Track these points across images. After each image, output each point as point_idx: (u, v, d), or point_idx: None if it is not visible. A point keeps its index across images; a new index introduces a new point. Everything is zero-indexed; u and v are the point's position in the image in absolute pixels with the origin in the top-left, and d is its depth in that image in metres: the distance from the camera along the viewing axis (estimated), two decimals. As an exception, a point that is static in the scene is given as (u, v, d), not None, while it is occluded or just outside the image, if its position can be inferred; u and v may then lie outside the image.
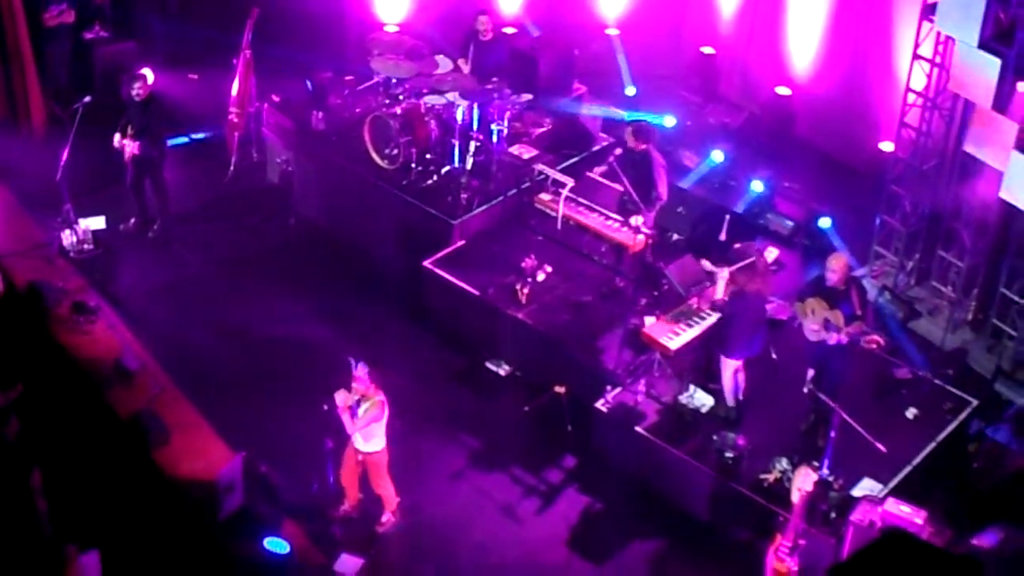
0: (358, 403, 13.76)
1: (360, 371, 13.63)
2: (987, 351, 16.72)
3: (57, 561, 11.85)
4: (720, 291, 15.01)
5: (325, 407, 13.65)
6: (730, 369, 15.00)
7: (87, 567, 12.31)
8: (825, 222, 18.50)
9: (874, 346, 14.51)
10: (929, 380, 15.71)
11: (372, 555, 14.26)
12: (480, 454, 15.81)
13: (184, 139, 20.58)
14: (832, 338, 14.21)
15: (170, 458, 14.39)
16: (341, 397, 13.68)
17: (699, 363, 15.74)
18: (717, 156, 19.34)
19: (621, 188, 16.72)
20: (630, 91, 21.52)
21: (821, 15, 20.16)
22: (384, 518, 14.61)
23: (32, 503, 12.36)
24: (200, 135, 20.72)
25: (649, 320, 15.68)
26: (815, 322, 14.32)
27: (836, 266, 14.23)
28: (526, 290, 16.76)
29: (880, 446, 13.79)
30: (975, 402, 15.60)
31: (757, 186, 18.88)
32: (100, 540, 12.72)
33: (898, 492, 14.23)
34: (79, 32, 21.24)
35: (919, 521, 13.23)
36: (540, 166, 17.95)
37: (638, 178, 16.46)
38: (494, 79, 19.00)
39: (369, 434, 13.91)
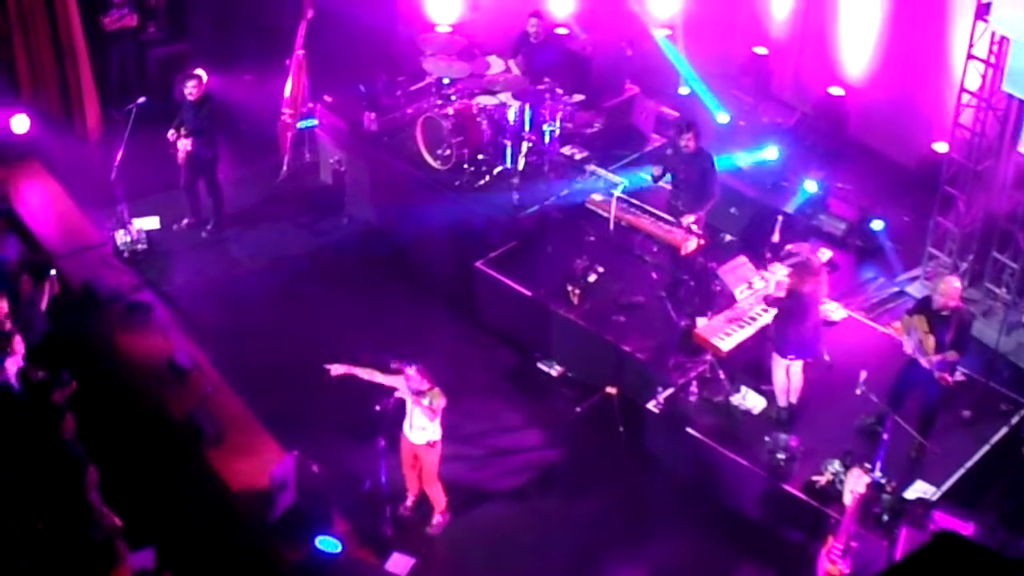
0: (414, 402, 13.79)
1: (410, 371, 13.65)
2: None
3: (108, 558, 11.92)
4: (773, 290, 14.96)
5: (378, 407, 13.68)
6: (781, 368, 14.95)
7: (144, 563, 12.42)
8: (878, 224, 18.41)
9: (944, 382, 14.31)
10: (983, 382, 15.60)
11: (423, 554, 14.30)
12: (532, 455, 15.82)
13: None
14: (924, 362, 14.09)
15: (223, 457, 14.47)
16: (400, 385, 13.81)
17: (751, 364, 15.70)
18: (771, 153, 19.20)
19: (670, 188, 16.71)
20: (684, 90, 21.48)
21: (874, 15, 20.08)
22: (435, 520, 14.64)
23: (86, 501, 12.43)
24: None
25: (701, 321, 15.65)
26: (910, 342, 14.22)
27: (944, 290, 14.00)
28: (578, 291, 16.76)
29: (928, 445, 13.72)
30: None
31: (811, 186, 18.78)
32: (154, 538, 12.83)
33: (951, 495, 14.16)
34: (139, 35, 21.40)
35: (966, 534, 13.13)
36: (592, 167, 17.96)
37: (689, 178, 16.44)
38: (546, 80, 19.01)
39: (425, 428, 13.95)
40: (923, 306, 14.31)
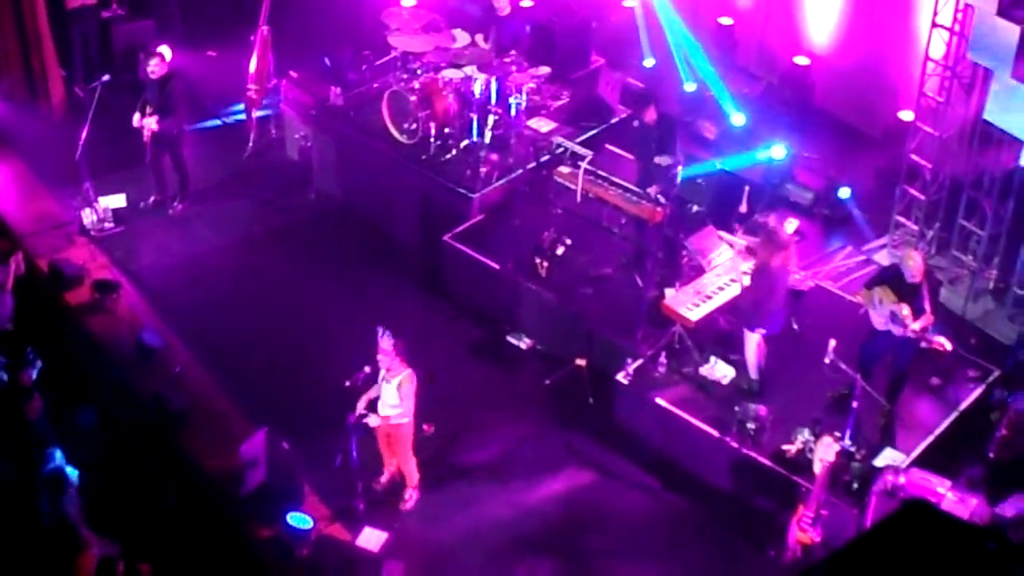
0: (384, 378, 13.79)
1: (385, 342, 13.63)
2: (1009, 320, 16.67)
3: (73, 544, 11.88)
4: (740, 262, 14.99)
5: (347, 383, 13.67)
6: (753, 342, 14.98)
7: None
8: (845, 192, 18.42)
9: (940, 348, 14.38)
10: (951, 349, 15.65)
11: (395, 529, 14.31)
12: (502, 428, 15.82)
13: (217, 121, 20.63)
14: (898, 330, 14.15)
15: (192, 435, 14.46)
16: (373, 421, 13.90)
17: (720, 334, 15.73)
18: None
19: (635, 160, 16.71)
20: (649, 62, 21.45)
21: (839, -16, 20.08)
22: (407, 495, 14.65)
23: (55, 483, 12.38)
24: (231, 118, 20.70)
25: (670, 292, 15.67)
26: (882, 313, 14.26)
27: (913, 266, 14.08)
28: (546, 263, 16.75)
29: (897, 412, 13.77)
30: (997, 371, 15.57)
31: (779, 151, 18.67)
32: (123, 516, 12.80)
33: (921, 462, 14.23)
34: (100, 12, 21.27)
35: (942, 490, 13.20)
36: (559, 139, 17.94)
37: (658, 148, 16.46)
38: (512, 52, 18.96)
39: (396, 406, 13.93)
40: (884, 278, 14.39)
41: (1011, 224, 16.65)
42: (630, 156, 17.32)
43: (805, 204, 18.69)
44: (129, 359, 15.47)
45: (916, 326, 14.04)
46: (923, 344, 14.26)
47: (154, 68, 17.99)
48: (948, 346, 14.31)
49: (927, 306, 14.10)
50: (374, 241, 18.62)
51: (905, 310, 14.01)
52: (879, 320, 14.34)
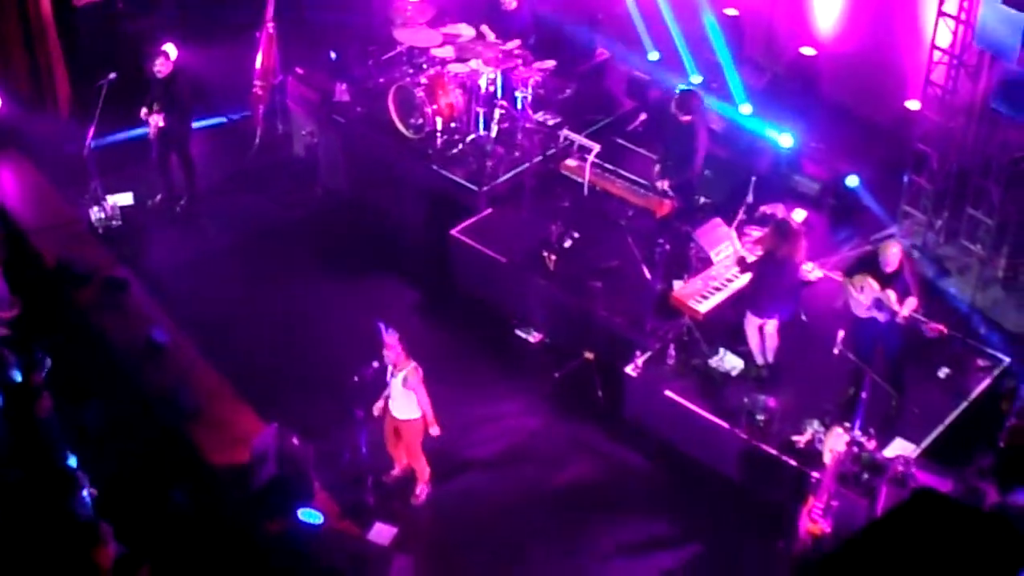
0: (392, 373, 13.80)
1: (391, 337, 13.65)
2: (1018, 308, 16.64)
3: (91, 538, 11.88)
4: (746, 253, 14.99)
5: (356, 378, 13.68)
6: (753, 326, 14.96)
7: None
8: (853, 180, 18.36)
9: (937, 334, 14.35)
10: (960, 338, 15.64)
11: (405, 523, 14.31)
12: (511, 421, 15.84)
13: (221, 119, 20.64)
14: (883, 316, 14.15)
15: (202, 430, 14.46)
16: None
17: (729, 326, 15.72)
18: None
19: (648, 153, 16.67)
20: (653, 56, 21.39)
21: (845, -27, 20.04)
22: (418, 490, 14.66)
23: (65, 481, 12.39)
24: (236, 116, 20.69)
25: (678, 284, 15.67)
26: (866, 300, 14.26)
27: (891, 254, 14.11)
28: (554, 257, 16.75)
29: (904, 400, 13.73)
30: (1007, 360, 15.55)
31: (786, 140, 18.65)
32: (133, 514, 12.80)
33: (931, 452, 14.21)
34: (108, 10, 21.28)
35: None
36: (565, 132, 17.93)
37: (677, 148, 16.42)
38: (517, 46, 18.95)
39: (405, 402, 13.95)
40: (864, 266, 14.40)
41: (1019, 212, 16.62)
42: (639, 149, 17.27)
43: (813, 195, 18.65)
44: (138, 356, 15.47)
45: (905, 311, 14.04)
46: (926, 333, 14.22)
47: (159, 67, 18.01)
48: (945, 331, 14.28)
49: (911, 288, 14.15)
50: (381, 236, 18.62)
51: (892, 296, 14.02)
52: (861, 308, 14.34)
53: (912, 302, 14.12)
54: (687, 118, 16.41)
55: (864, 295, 14.24)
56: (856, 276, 14.34)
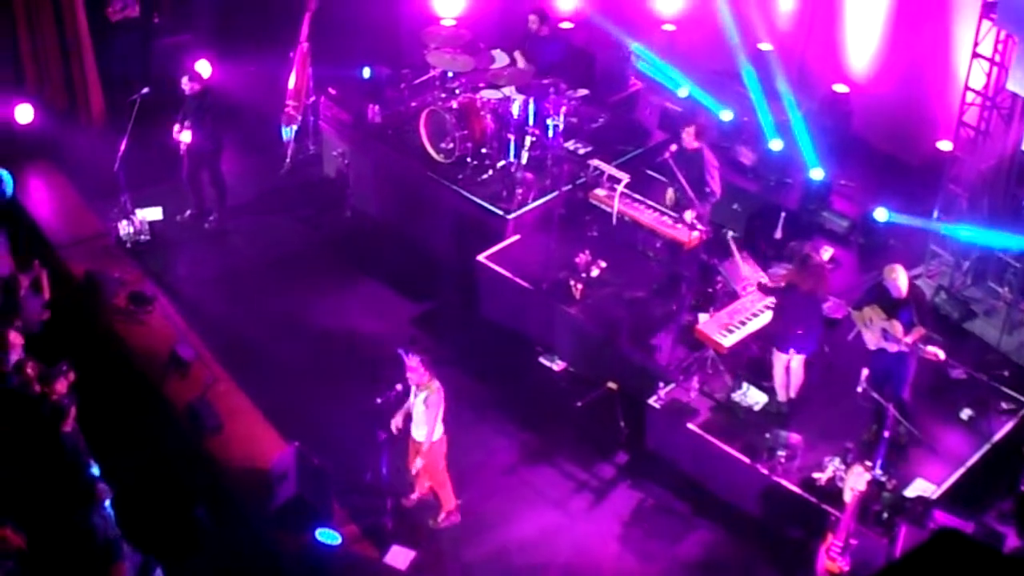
0: (414, 393, 13.79)
1: (412, 361, 13.66)
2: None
3: (109, 554, 11.92)
4: (772, 287, 15.00)
5: (379, 400, 13.68)
6: (781, 363, 14.97)
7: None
8: (881, 213, 18.28)
9: (935, 358, 14.34)
10: (984, 381, 15.58)
11: (423, 548, 14.29)
12: (532, 449, 15.81)
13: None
14: (892, 347, 14.14)
15: (223, 447, 14.49)
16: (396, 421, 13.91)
17: (752, 361, 15.70)
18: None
19: (674, 185, 16.66)
20: (683, 92, 21.35)
21: (880, 12, 20.03)
22: (441, 516, 14.61)
23: (89, 495, 12.42)
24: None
25: (703, 317, 15.66)
26: (874, 332, 14.25)
27: (899, 279, 14.12)
28: (580, 286, 16.75)
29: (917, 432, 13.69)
30: (1031, 403, 15.52)
31: (817, 174, 18.63)
32: (155, 527, 12.84)
33: (952, 494, 14.16)
34: (143, 25, 21.38)
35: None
36: (595, 161, 17.95)
37: (691, 175, 16.44)
38: (550, 74, 18.99)
39: (425, 425, 13.94)
40: (872, 298, 14.39)
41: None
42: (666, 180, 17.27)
43: (841, 232, 18.63)
44: (163, 371, 15.51)
45: (908, 339, 14.02)
46: (920, 355, 14.22)
47: (192, 84, 18.09)
48: (942, 355, 14.25)
49: (915, 318, 14.12)
50: (409, 260, 18.64)
51: (897, 326, 14.00)
52: (872, 340, 14.34)
53: (918, 331, 14.10)
54: (696, 145, 16.43)
55: (872, 327, 14.24)
56: (864, 309, 14.34)
